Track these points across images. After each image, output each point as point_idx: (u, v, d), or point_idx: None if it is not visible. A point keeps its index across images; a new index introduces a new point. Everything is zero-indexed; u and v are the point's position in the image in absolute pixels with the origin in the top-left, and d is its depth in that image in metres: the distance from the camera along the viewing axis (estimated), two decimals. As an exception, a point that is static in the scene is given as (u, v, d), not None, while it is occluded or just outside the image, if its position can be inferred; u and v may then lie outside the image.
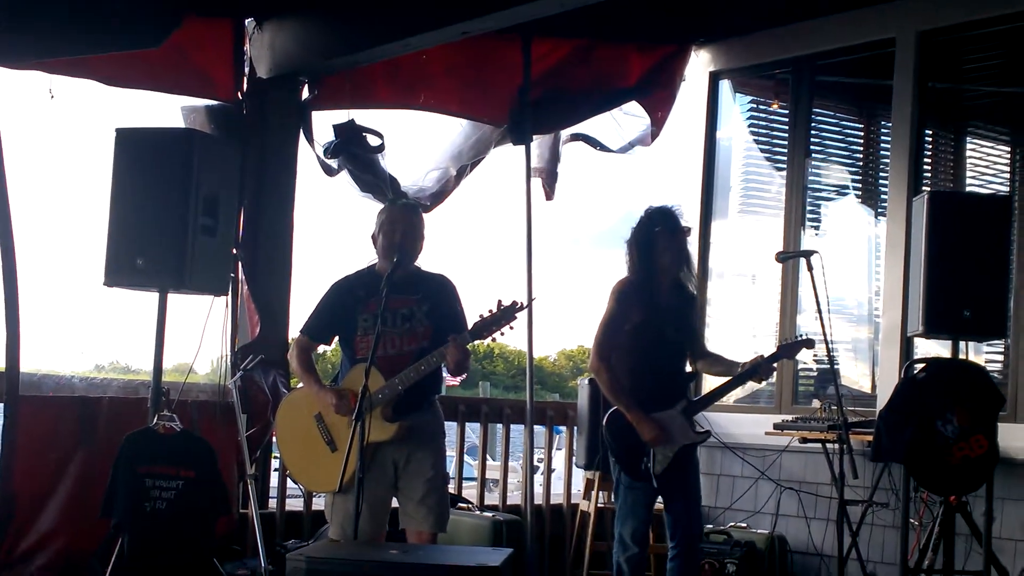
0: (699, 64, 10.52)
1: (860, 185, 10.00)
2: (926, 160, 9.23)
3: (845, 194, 10.08)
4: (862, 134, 10.19)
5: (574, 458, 9.79)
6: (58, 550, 7.31)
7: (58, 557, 7.30)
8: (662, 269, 7.13)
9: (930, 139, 9.31)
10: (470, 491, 10.12)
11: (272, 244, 8.79)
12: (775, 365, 7.27)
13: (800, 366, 9.74)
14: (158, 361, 7.00)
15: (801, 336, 7.48)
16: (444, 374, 6.89)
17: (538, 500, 9.80)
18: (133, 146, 6.92)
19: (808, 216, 9.90)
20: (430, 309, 6.63)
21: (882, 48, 9.25)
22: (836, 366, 7.78)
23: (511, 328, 6.46)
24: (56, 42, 7.12)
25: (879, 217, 9.51)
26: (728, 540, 8.86)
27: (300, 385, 6.93)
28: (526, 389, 9.51)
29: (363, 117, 8.96)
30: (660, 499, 7.21)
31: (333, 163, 8.89)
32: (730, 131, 10.67)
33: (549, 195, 10.07)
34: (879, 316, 9.23)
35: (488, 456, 10.50)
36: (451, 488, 8.45)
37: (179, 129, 7.99)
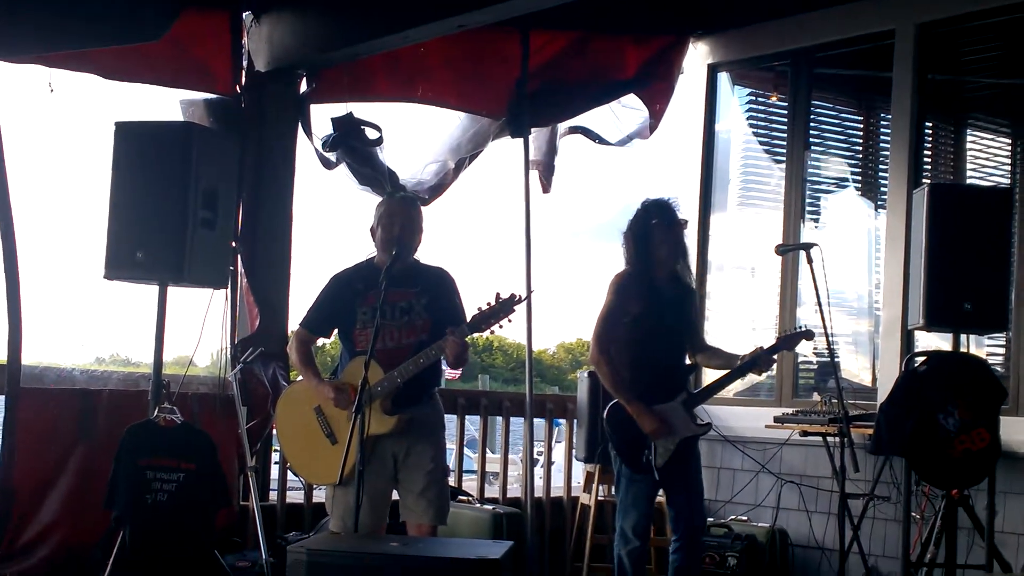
0: (697, 56, 10.51)
1: (860, 178, 9.99)
2: (926, 152, 9.22)
3: (845, 187, 10.07)
4: (862, 126, 10.18)
5: (574, 451, 9.78)
6: (59, 542, 7.31)
7: (59, 549, 7.30)
8: (659, 262, 7.13)
9: (930, 131, 9.30)
10: (470, 484, 10.12)
11: (271, 237, 8.79)
12: (775, 357, 7.29)
13: (800, 359, 9.74)
14: (158, 354, 7.00)
15: (800, 328, 7.49)
16: (444, 367, 6.88)
17: (538, 493, 9.79)
18: (132, 139, 6.91)
19: (808, 209, 9.90)
20: (429, 302, 6.62)
21: (881, 40, 9.25)
22: (836, 359, 7.79)
23: (509, 321, 6.46)
24: (55, 35, 7.12)
25: (879, 210, 9.50)
26: (729, 533, 8.87)
27: (300, 378, 6.92)
28: (525, 382, 9.51)
29: (361, 110, 8.95)
30: (661, 492, 7.21)
31: (332, 156, 8.87)
32: (729, 124, 10.66)
33: (546, 188, 10.05)
34: (879, 309, 9.23)
35: (488, 449, 10.49)
36: (451, 481, 8.45)
37: (178, 123, 7.97)
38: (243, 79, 8.77)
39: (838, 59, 9.87)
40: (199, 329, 7.45)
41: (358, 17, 8.36)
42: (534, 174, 9.83)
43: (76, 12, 7.10)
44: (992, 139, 9.45)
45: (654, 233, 7.11)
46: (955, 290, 7.29)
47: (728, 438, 9.55)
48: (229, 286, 7.82)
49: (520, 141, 9.45)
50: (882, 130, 9.70)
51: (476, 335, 6.53)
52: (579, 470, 9.82)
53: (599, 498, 8.94)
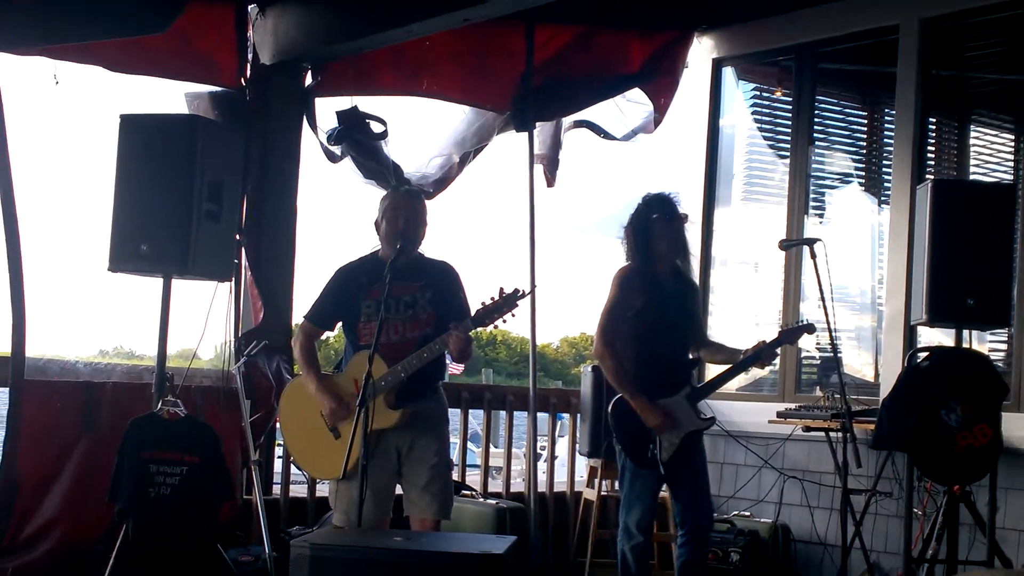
0: (702, 51, 10.51)
1: (863, 173, 9.98)
2: (930, 148, 9.22)
3: (848, 182, 10.07)
4: (865, 122, 10.18)
5: (577, 445, 9.78)
6: (61, 536, 7.31)
7: (61, 543, 7.30)
8: (659, 256, 7.13)
9: (934, 127, 9.31)
10: (473, 478, 10.13)
11: (275, 230, 8.79)
12: (777, 351, 7.29)
13: (803, 354, 9.74)
14: (162, 347, 7.00)
15: (802, 322, 7.50)
16: (448, 361, 6.89)
17: (541, 488, 9.79)
18: (137, 132, 6.90)
19: (811, 204, 9.90)
20: (433, 296, 6.63)
21: (885, 35, 9.25)
22: (839, 355, 7.78)
23: (513, 315, 6.46)
24: (61, 28, 7.12)
25: (882, 205, 9.50)
26: (732, 529, 8.88)
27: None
28: (529, 376, 9.52)
29: (366, 104, 8.96)
30: (664, 487, 7.22)
31: (336, 149, 8.88)
32: (733, 118, 10.66)
33: (550, 182, 10.05)
34: (882, 304, 9.24)
35: (491, 443, 10.50)
36: (455, 475, 8.46)
37: (183, 115, 7.98)
38: (248, 72, 8.78)
39: (842, 54, 9.86)
40: (203, 322, 7.45)
41: (363, 10, 8.36)
42: (538, 168, 9.83)
43: (81, 5, 7.11)
44: (996, 135, 9.43)
45: (654, 228, 7.11)
46: (958, 286, 7.29)
47: (731, 433, 9.55)
48: (233, 279, 7.82)
49: (524, 135, 9.46)
50: (886, 125, 9.69)
51: (480, 329, 6.54)
52: (582, 465, 9.83)
53: (602, 493, 8.94)
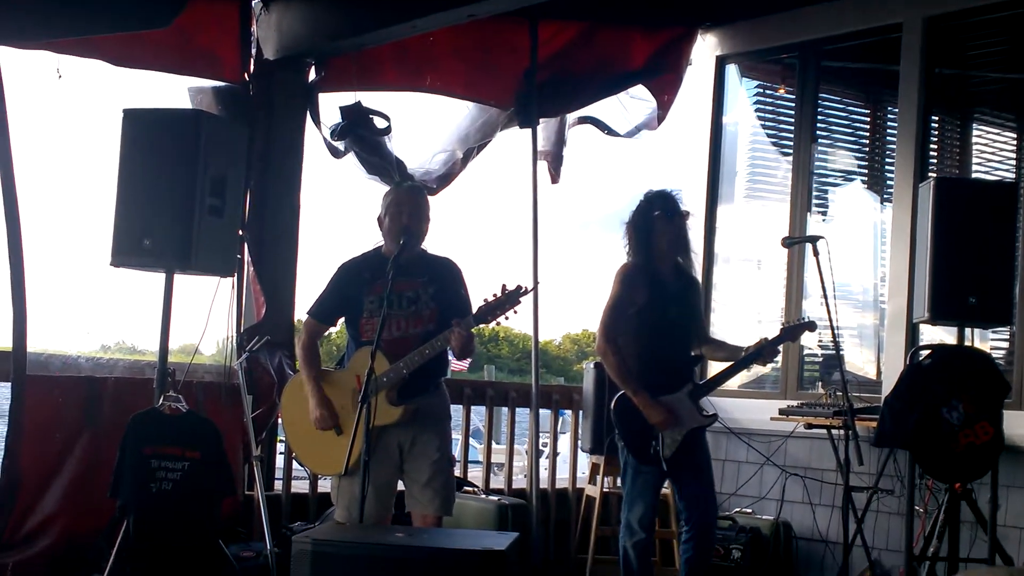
0: (706, 48, 10.51)
1: (866, 170, 9.97)
2: (932, 146, 9.22)
3: (851, 179, 10.06)
4: (868, 119, 10.18)
5: (579, 442, 9.78)
6: (62, 531, 7.30)
7: (62, 538, 7.28)
8: (660, 253, 7.13)
9: (936, 125, 9.30)
10: (475, 475, 10.13)
11: (278, 225, 8.79)
12: (779, 348, 7.30)
13: (805, 352, 9.74)
14: (164, 342, 6.98)
15: (804, 319, 7.51)
16: (450, 358, 6.89)
17: (543, 484, 9.79)
18: (141, 127, 6.89)
19: (814, 201, 9.90)
20: (436, 292, 6.63)
21: (889, 33, 9.25)
22: (841, 352, 7.80)
23: (515, 312, 6.47)
24: (63, 22, 7.12)
25: (885, 203, 9.49)
26: (733, 526, 8.89)
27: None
28: (531, 373, 9.52)
29: (370, 99, 8.96)
30: (666, 484, 7.23)
31: (340, 145, 8.88)
32: (736, 115, 10.66)
33: (555, 178, 10.05)
34: (884, 302, 9.24)
35: (493, 440, 10.49)
36: (456, 471, 8.46)
37: (186, 110, 7.95)
38: (252, 67, 8.77)
39: (846, 52, 9.86)
40: (205, 317, 7.43)
41: (367, 6, 8.37)
42: (542, 164, 9.84)
43: (84, -1, 7.12)
44: (998, 133, 9.44)
45: (656, 224, 7.10)
46: (960, 284, 7.29)
47: (733, 430, 9.55)
48: (236, 274, 7.81)
49: (528, 131, 9.47)
50: (889, 123, 9.69)
51: (482, 325, 6.54)
52: (584, 461, 9.83)
53: (604, 490, 8.94)
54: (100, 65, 7.97)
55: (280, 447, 8.71)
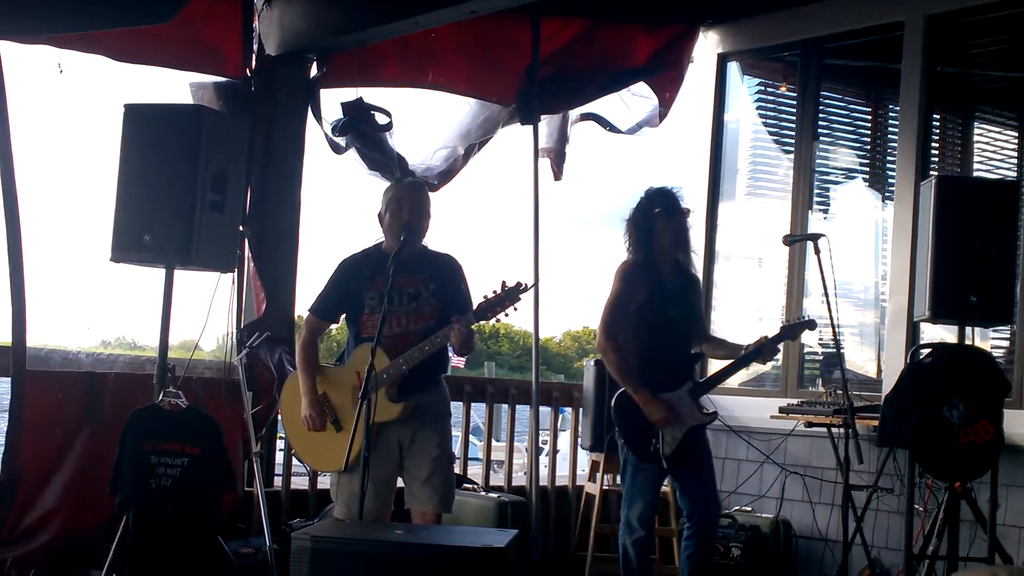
0: (707, 46, 10.51)
1: (868, 169, 9.97)
2: (934, 144, 9.22)
3: (853, 178, 10.06)
4: (870, 117, 10.17)
5: (579, 439, 9.78)
6: (62, 527, 7.28)
7: (62, 534, 7.27)
8: (660, 250, 7.13)
9: (938, 123, 9.30)
10: (475, 472, 10.12)
11: (279, 221, 8.78)
12: (779, 346, 7.29)
13: (806, 350, 9.74)
14: (164, 337, 6.99)
15: (804, 317, 7.50)
16: (450, 354, 6.88)
17: (543, 482, 9.79)
18: (142, 122, 6.89)
19: (815, 199, 9.90)
20: (436, 288, 6.62)
21: (890, 31, 9.25)
22: (842, 350, 7.79)
23: (515, 309, 6.46)
24: (65, 16, 7.10)
25: (886, 201, 9.49)
26: (733, 524, 8.88)
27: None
28: (532, 370, 9.52)
29: (371, 95, 8.94)
30: (666, 482, 7.23)
31: (341, 141, 8.87)
32: (738, 113, 10.66)
33: (557, 175, 10.05)
34: (885, 300, 9.24)
35: (493, 437, 10.49)
36: (456, 468, 8.45)
37: (188, 105, 7.95)
38: (253, 62, 8.75)
39: (847, 50, 9.86)
40: (205, 313, 7.43)
41: (369, 2, 8.36)
42: (544, 161, 9.84)
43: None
44: (999, 132, 9.43)
45: (656, 222, 7.10)
46: (961, 282, 7.29)
47: (733, 428, 9.55)
48: (236, 270, 7.81)
49: (529, 128, 9.46)
50: (890, 121, 9.69)
51: (482, 322, 6.53)
52: (584, 459, 9.82)
53: (604, 487, 8.94)
54: (101, 60, 7.95)
55: (280, 443, 8.69)
